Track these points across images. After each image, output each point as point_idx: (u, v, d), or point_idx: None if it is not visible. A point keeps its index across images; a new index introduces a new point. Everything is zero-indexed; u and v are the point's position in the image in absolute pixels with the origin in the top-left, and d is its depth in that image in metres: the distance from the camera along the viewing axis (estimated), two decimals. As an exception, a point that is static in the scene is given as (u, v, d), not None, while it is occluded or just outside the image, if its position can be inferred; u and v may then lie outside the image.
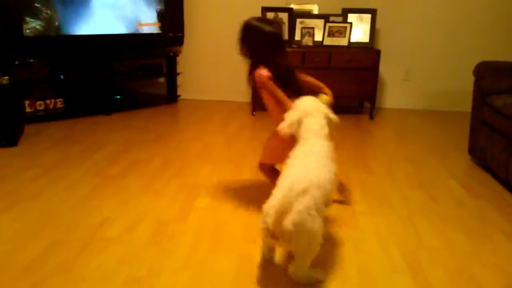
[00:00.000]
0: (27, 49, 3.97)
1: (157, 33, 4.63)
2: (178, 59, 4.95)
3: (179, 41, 4.84)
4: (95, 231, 2.23)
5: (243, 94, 5.07)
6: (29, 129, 3.82)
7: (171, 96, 4.98)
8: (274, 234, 1.61)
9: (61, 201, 2.56)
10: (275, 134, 2.19)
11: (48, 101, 4.05)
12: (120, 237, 2.19)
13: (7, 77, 3.51)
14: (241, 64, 4.91)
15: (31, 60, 3.98)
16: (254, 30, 2.30)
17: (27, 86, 3.95)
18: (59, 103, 4.12)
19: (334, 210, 2.52)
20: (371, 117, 4.54)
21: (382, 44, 4.74)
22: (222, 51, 4.98)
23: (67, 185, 2.76)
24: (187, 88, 5.13)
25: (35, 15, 3.87)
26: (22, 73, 4.03)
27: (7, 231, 2.22)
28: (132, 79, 4.70)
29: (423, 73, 4.88)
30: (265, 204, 1.70)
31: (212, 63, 5.05)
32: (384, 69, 4.75)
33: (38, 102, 4.01)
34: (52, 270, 1.91)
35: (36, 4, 3.85)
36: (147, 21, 4.55)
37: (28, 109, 3.96)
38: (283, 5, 4.64)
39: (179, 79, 5.04)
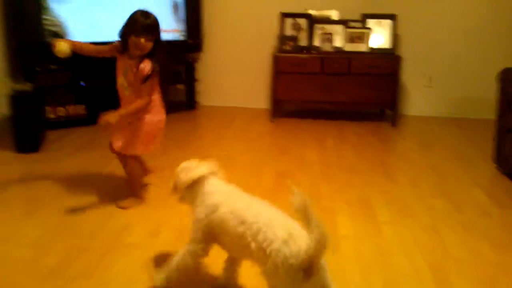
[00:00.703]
0: (48, 56, 4.02)
1: (176, 40, 4.65)
2: (197, 65, 4.96)
3: (199, 48, 4.85)
4: (117, 237, 2.23)
5: (262, 101, 5.05)
6: (50, 135, 3.85)
7: (190, 103, 4.99)
8: (312, 271, 1.39)
9: (83, 206, 2.56)
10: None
11: (69, 107, 4.09)
12: (142, 243, 2.18)
13: (29, 84, 3.55)
14: (259, 71, 4.95)
15: (53, 67, 4.03)
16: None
17: (49, 92, 3.99)
18: (80, 109, 4.15)
19: (356, 220, 2.48)
20: (393, 125, 4.47)
21: (403, 50, 4.68)
22: (241, 58, 4.99)
23: (87, 191, 2.77)
24: (206, 94, 5.14)
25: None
26: (43, 80, 4.08)
27: (30, 237, 2.23)
28: (152, 86, 4.72)
29: (446, 79, 4.80)
30: (285, 253, 1.40)
31: (231, 69, 5.05)
32: (406, 75, 4.69)
33: (59, 108, 4.05)
34: (74, 275, 1.92)
35: (55, 11, 3.91)
36: (167, 28, 4.58)
37: (50, 115, 4.00)
38: (302, 11, 4.62)
39: (198, 86, 5.05)
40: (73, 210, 2.52)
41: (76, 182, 2.90)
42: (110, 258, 2.04)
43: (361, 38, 4.46)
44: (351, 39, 4.47)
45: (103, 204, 2.60)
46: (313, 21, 4.57)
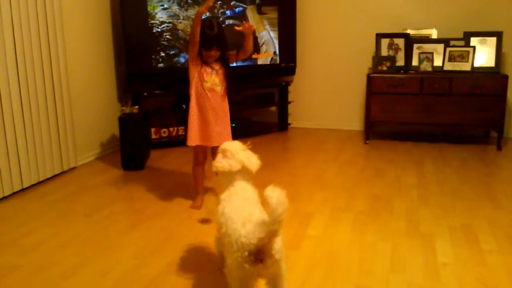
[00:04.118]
0: (155, 82, 4.36)
1: (271, 64, 4.78)
2: (289, 88, 5.04)
3: (292, 71, 4.94)
4: (210, 252, 2.30)
5: (355, 123, 4.99)
6: (154, 154, 4.13)
7: (282, 124, 5.07)
8: (258, 259, 1.51)
9: (181, 221, 2.70)
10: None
11: (171, 129, 4.36)
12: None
13: (137, 107, 3.85)
14: (353, 92, 4.90)
15: (158, 92, 4.35)
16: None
17: (154, 115, 4.29)
18: (181, 131, 4.40)
19: (458, 247, 2.33)
20: (499, 148, 4.16)
21: (510, 69, 4.37)
22: (334, 79, 4.98)
23: (187, 206, 2.92)
24: (297, 116, 5.19)
25: (163, 50, 4.24)
26: (149, 103, 4.42)
27: (133, 248, 2.39)
28: (247, 108, 4.89)
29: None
30: (240, 235, 1.55)
31: (323, 91, 5.06)
32: (513, 95, 4.37)
33: (163, 130, 4.33)
34: (173, 286, 2.01)
35: (164, 42, 4.22)
36: (261, 53, 4.72)
37: (153, 136, 4.29)
38: (399, 30, 4.53)
39: (290, 108, 5.12)
40: (173, 224, 2.66)
41: (177, 198, 3.06)
42: (204, 273, 2.11)
43: (463, 57, 4.24)
44: (453, 58, 4.27)
45: (199, 219, 2.71)
46: (411, 40, 4.45)
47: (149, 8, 4.13)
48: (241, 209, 1.70)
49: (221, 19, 4.43)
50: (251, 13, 4.58)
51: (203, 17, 2.57)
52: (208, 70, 2.74)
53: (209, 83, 2.74)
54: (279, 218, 1.43)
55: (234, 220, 1.64)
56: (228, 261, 1.59)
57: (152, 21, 4.16)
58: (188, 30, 4.25)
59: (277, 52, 4.77)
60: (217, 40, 2.61)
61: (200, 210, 2.86)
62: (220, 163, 1.91)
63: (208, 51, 2.64)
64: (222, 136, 2.76)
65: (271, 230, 1.46)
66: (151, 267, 2.18)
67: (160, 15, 4.19)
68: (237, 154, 1.91)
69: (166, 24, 4.22)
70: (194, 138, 2.78)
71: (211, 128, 2.77)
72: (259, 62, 4.72)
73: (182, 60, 4.34)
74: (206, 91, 2.75)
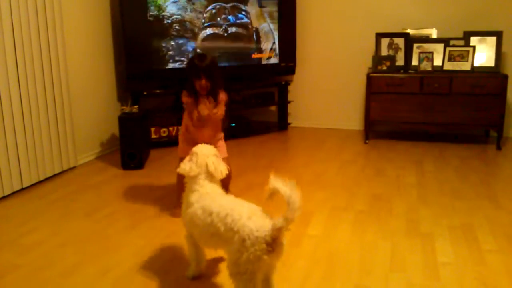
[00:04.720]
0: (155, 81, 4.36)
1: (270, 63, 4.78)
2: (289, 87, 5.04)
3: (291, 70, 4.94)
4: (210, 252, 2.30)
5: (355, 122, 4.99)
6: (154, 153, 4.13)
7: (282, 124, 5.07)
8: (274, 248, 1.59)
9: (181, 220, 2.70)
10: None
11: (171, 128, 4.36)
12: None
13: (136, 106, 3.85)
14: (352, 92, 4.90)
15: (158, 91, 4.35)
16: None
17: (153, 114, 4.29)
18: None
19: (457, 247, 2.33)
20: (499, 148, 4.16)
21: (510, 69, 4.37)
22: (333, 79, 4.99)
23: (187, 207, 2.92)
24: (297, 116, 5.19)
25: (163, 49, 4.24)
26: (149, 103, 4.42)
27: (133, 247, 2.39)
28: (247, 108, 4.89)
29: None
30: (252, 230, 1.60)
31: (323, 91, 5.06)
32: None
33: (162, 129, 4.33)
34: (173, 283, 2.01)
35: (163, 43, 4.22)
36: (261, 52, 4.73)
37: (153, 135, 4.29)
38: (398, 30, 4.53)
39: (290, 107, 5.12)
40: (173, 223, 2.66)
41: (175, 198, 3.06)
42: (206, 271, 2.11)
43: (463, 56, 4.24)
44: (452, 57, 4.27)
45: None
46: (411, 40, 4.45)
47: (159, 1, 4.14)
48: (234, 204, 1.76)
49: (225, 26, 4.43)
50: (252, 9, 4.58)
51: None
52: (204, 100, 2.70)
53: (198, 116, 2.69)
54: (298, 208, 1.54)
55: (236, 216, 1.66)
56: (241, 257, 1.60)
57: (162, 13, 4.17)
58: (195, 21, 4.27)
59: (276, 42, 4.77)
60: (206, 71, 2.59)
61: (179, 218, 2.79)
62: (183, 165, 1.98)
63: (199, 81, 2.60)
64: (213, 141, 2.73)
65: (290, 219, 1.55)
66: (151, 267, 2.18)
67: (171, 8, 4.21)
68: (205, 158, 1.96)
69: (175, 16, 4.23)
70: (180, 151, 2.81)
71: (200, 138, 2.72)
72: (258, 61, 4.72)
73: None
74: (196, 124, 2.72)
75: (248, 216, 1.64)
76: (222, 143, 2.87)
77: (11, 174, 3.12)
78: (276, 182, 1.56)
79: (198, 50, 2.47)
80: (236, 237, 1.62)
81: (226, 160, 2.80)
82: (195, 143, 2.67)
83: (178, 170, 2.00)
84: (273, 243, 1.58)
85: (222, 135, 2.89)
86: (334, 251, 2.31)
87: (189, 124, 2.75)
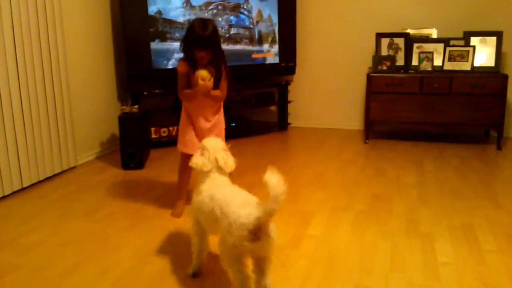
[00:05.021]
0: (155, 81, 4.36)
1: (271, 63, 4.78)
2: (289, 87, 5.04)
3: (291, 70, 4.94)
4: (210, 251, 2.30)
5: (355, 122, 4.99)
6: (154, 153, 4.13)
7: (282, 124, 5.07)
8: (257, 236, 1.67)
9: (181, 220, 2.70)
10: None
11: (171, 128, 4.36)
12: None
13: (136, 106, 3.85)
14: (352, 92, 4.90)
15: (158, 91, 4.35)
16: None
17: (154, 114, 4.29)
18: (180, 130, 4.40)
19: (457, 247, 2.33)
20: (499, 147, 4.16)
21: (510, 69, 4.37)
22: (333, 79, 4.99)
23: (187, 206, 2.91)
24: (297, 116, 5.19)
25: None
26: (149, 103, 4.42)
27: (133, 247, 2.39)
28: (247, 107, 4.89)
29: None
30: (240, 216, 1.69)
31: (323, 91, 5.06)
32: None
33: (162, 129, 4.33)
34: (173, 285, 2.01)
35: (163, 42, 4.22)
36: (262, 52, 4.73)
37: (153, 135, 4.29)
38: (398, 30, 4.53)
39: (290, 107, 5.12)
40: (172, 223, 2.66)
41: (176, 197, 3.06)
42: (205, 272, 2.11)
43: (463, 56, 4.24)
44: (453, 57, 4.27)
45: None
46: (411, 40, 4.45)
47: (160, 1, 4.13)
48: (235, 193, 1.88)
49: (226, 27, 4.43)
50: (253, 10, 4.58)
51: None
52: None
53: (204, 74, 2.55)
54: (278, 198, 1.57)
55: (230, 203, 1.78)
56: (227, 240, 1.72)
57: (163, 13, 4.16)
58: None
59: (277, 42, 4.77)
60: (208, 41, 2.46)
61: (180, 218, 2.76)
62: (196, 159, 2.05)
63: (199, 51, 2.48)
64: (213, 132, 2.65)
65: (270, 209, 1.62)
66: (150, 267, 2.18)
67: (171, 7, 4.19)
68: (215, 153, 2.03)
69: (176, 16, 4.22)
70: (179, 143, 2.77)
71: (199, 127, 2.68)
72: (259, 61, 4.72)
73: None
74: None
75: (240, 204, 1.74)
76: (220, 118, 2.74)
77: (11, 174, 3.11)
78: (269, 175, 1.62)
79: (198, 17, 2.32)
80: (226, 222, 1.74)
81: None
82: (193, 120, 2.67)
83: (190, 164, 2.05)
84: (257, 232, 1.66)
85: (220, 109, 2.76)
86: (334, 251, 2.31)
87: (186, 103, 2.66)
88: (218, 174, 2.03)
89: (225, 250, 1.74)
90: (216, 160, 2.02)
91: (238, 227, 1.68)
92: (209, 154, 2.03)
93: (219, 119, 2.75)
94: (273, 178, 1.60)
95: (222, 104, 2.77)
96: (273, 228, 1.73)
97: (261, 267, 1.78)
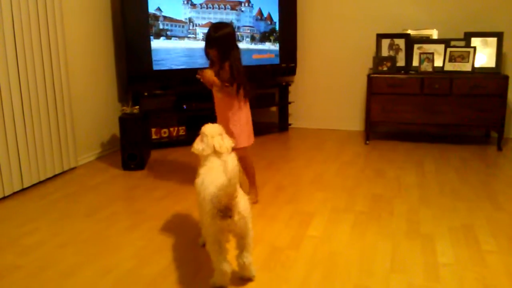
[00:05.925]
0: (155, 82, 4.36)
1: (271, 64, 4.78)
2: (290, 88, 5.04)
3: (292, 71, 4.94)
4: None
5: (355, 123, 4.99)
6: (155, 154, 4.13)
7: (282, 125, 5.07)
8: (227, 215, 1.82)
9: (181, 221, 2.70)
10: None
11: (172, 129, 4.36)
12: (234, 261, 2.23)
13: (137, 107, 3.85)
14: (353, 93, 4.90)
15: (158, 92, 4.35)
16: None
17: (154, 115, 4.30)
18: (182, 131, 4.41)
19: (458, 248, 2.33)
20: (499, 148, 4.16)
21: (510, 69, 4.37)
22: (334, 80, 4.99)
23: (188, 206, 2.92)
24: (298, 116, 5.19)
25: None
26: (150, 104, 4.42)
27: (133, 248, 2.39)
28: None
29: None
30: (212, 197, 1.85)
31: (323, 92, 5.06)
32: (513, 95, 4.37)
33: (163, 130, 4.33)
34: (174, 285, 2.01)
35: (164, 43, 4.23)
36: (262, 53, 4.73)
37: (154, 136, 4.29)
38: (399, 31, 4.53)
39: (291, 108, 5.12)
40: (173, 224, 2.66)
41: (177, 198, 3.07)
42: (205, 272, 2.11)
43: (464, 57, 4.24)
44: (453, 58, 4.27)
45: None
46: (411, 41, 4.45)
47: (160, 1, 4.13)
48: (217, 179, 1.96)
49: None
50: (254, 10, 4.59)
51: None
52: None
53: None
54: (231, 181, 1.74)
55: (210, 187, 1.92)
56: (204, 219, 1.91)
57: (163, 14, 4.17)
58: (196, 22, 4.26)
59: (277, 42, 4.77)
60: (215, 42, 2.66)
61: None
62: (197, 145, 2.23)
63: (210, 50, 2.72)
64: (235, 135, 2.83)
65: (228, 191, 1.77)
66: (151, 267, 2.18)
67: (172, 8, 4.20)
68: (212, 138, 2.19)
69: (176, 17, 4.23)
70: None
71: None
72: (260, 62, 4.72)
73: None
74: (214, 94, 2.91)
75: (212, 183, 1.89)
76: (238, 127, 2.92)
77: (11, 175, 3.12)
78: (229, 158, 1.78)
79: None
80: (204, 204, 1.93)
81: (244, 150, 2.90)
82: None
83: (192, 149, 2.24)
84: (225, 210, 1.81)
85: (238, 116, 2.91)
86: (334, 252, 2.31)
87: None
88: (217, 158, 2.16)
89: (205, 228, 1.93)
90: (213, 146, 2.18)
91: (210, 207, 1.85)
92: (208, 140, 2.19)
93: (230, 117, 2.89)
94: (229, 161, 1.75)
95: (241, 111, 2.94)
96: (246, 207, 1.88)
97: (240, 245, 1.96)
